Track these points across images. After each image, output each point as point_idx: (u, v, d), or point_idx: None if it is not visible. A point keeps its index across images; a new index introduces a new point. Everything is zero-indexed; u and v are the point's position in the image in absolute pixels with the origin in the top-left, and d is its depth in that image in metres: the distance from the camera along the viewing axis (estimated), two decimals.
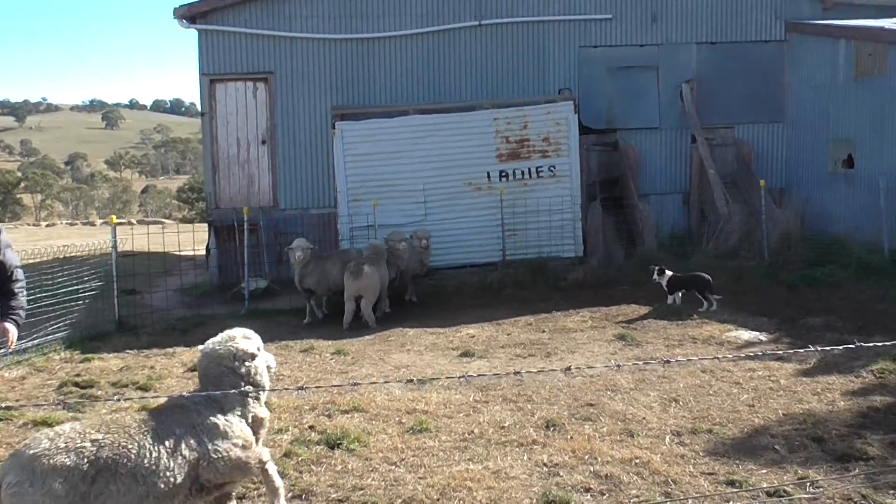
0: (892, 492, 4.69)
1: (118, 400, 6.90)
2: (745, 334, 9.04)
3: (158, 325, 10.31)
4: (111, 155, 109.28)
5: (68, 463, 3.61)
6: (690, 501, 4.53)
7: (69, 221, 46.76)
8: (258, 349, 4.40)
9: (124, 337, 9.69)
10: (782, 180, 15.29)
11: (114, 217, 10.61)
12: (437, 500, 4.72)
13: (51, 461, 3.58)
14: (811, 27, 14.82)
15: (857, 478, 4.89)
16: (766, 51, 15.32)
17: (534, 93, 14.61)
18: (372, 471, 5.25)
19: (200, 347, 4.40)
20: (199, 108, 14.78)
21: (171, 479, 3.84)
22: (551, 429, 5.95)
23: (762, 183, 13.27)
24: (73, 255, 10.52)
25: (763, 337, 8.87)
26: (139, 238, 11.90)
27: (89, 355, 8.80)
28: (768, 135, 15.46)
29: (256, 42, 14.33)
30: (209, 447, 3.99)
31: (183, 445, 3.91)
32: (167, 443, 3.87)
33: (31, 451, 3.62)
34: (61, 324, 9.09)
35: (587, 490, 4.83)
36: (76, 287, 9.30)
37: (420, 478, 5.06)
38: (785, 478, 4.94)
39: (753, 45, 15.29)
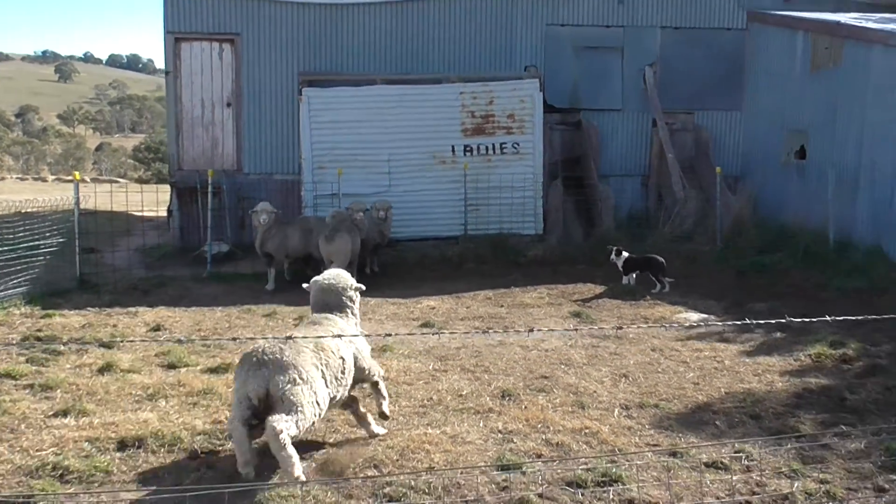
0: (819, 465, 5.02)
1: (81, 353, 7.00)
2: (694, 316, 9.40)
3: (120, 284, 10.33)
4: (64, 109, 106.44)
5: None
6: (634, 469, 4.81)
7: (19, 176, 45.64)
8: None
9: (85, 294, 9.71)
10: (738, 168, 15.63)
11: (77, 174, 10.54)
12: (397, 460, 4.95)
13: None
14: (772, 17, 15.06)
15: (789, 452, 5.21)
16: (728, 38, 15.59)
17: (501, 68, 14.74)
18: (334, 432, 5.47)
19: (320, 279, 5.58)
20: (156, 65, 14.87)
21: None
22: (507, 398, 6.21)
23: (718, 170, 13.61)
24: (33, 210, 10.45)
25: (711, 319, 9.23)
26: (98, 196, 11.85)
27: (50, 311, 8.85)
28: (726, 122, 15.79)
29: (224, 2, 14.16)
30: (358, 346, 5.29)
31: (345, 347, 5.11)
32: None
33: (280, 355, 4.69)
34: (21, 279, 9.08)
35: (539, 456, 5.09)
36: (37, 243, 9.27)
37: (380, 440, 5.28)
38: (723, 451, 5.23)
39: (716, 32, 15.53)
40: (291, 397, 4.61)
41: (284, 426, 4.49)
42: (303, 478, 4.50)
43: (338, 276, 5.66)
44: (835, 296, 10.24)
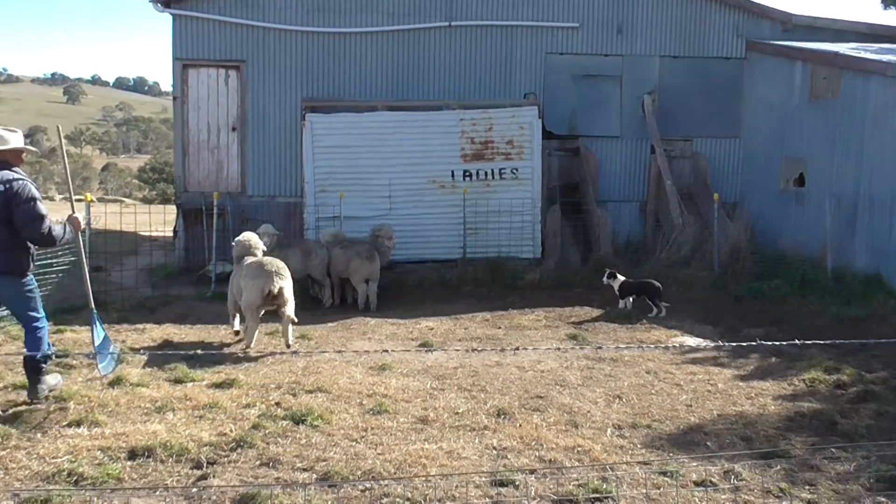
0: (808, 487, 5.12)
1: (92, 367, 7.18)
2: (691, 340, 9.50)
3: (127, 301, 10.52)
4: (72, 130, 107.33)
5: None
6: (625, 485, 4.94)
7: None
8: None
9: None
10: (736, 195, 15.79)
11: (89, 195, 10.78)
12: (394, 473, 5.09)
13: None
14: (770, 47, 15.28)
15: (778, 473, 5.32)
16: (727, 67, 15.84)
17: (500, 95, 14.99)
18: (334, 445, 5.61)
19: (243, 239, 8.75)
20: (162, 87, 15.12)
21: None
22: (502, 416, 6.34)
23: (716, 196, 13.78)
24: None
25: (707, 344, 9.33)
26: (103, 216, 12.10)
27: (62, 327, 9.08)
28: (725, 149, 15.97)
29: (230, 30, 14.50)
30: None
31: None
32: None
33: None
34: None
35: (532, 472, 5.22)
36: (50, 262, 9.47)
37: (379, 454, 5.42)
38: (713, 470, 5.34)
39: (715, 61, 15.79)
40: (289, 293, 8.23)
41: (291, 312, 8.27)
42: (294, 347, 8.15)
43: (251, 236, 8.99)
44: (831, 322, 10.32)
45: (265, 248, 9.31)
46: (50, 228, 6.21)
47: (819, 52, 14.04)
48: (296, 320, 8.45)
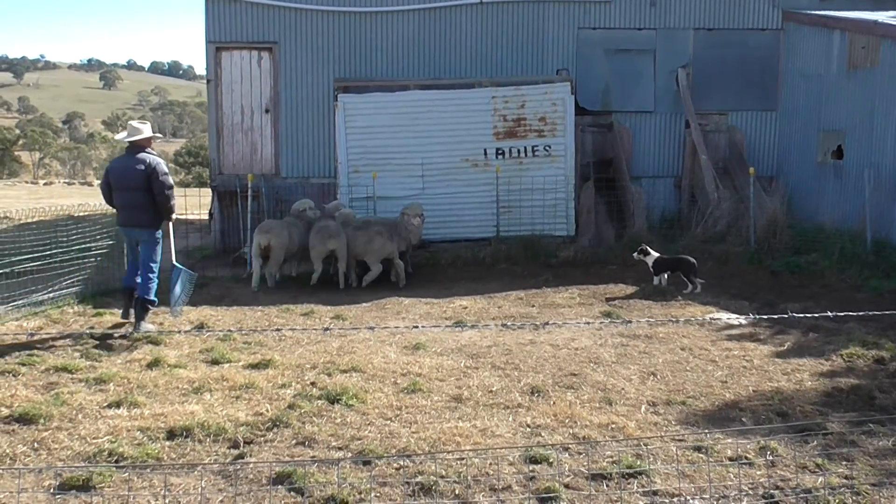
0: (844, 462, 5.08)
1: (131, 349, 7.36)
2: (726, 316, 9.42)
3: (164, 284, 10.64)
4: (108, 115, 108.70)
5: None
6: (659, 461, 4.95)
7: (67, 181, 46.81)
8: None
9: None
10: (773, 168, 15.58)
11: None
12: (429, 451, 5.15)
13: None
14: (807, 17, 14.96)
15: (815, 448, 5.28)
16: (763, 39, 15.55)
17: (532, 72, 14.88)
18: (369, 424, 5.68)
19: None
20: (196, 71, 15.30)
21: None
22: (536, 394, 6.37)
23: (752, 170, 13.59)
24: (85, 213, 10.92)
25: (743, 320, 9.25)
26: None
27: (101, 310, 9.27)
28: (761, 123, 15.74)
29: (262, 12, 14.56)
30: None
31: None
32: None
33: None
34: (74, 279, 9.51)
35: (566, 449, 5.24)
36: (89, 245, 9.68)
37: (413, 432, 5.48)
38: (748, 446, 5.33)
39: (750, 33, 15.50)
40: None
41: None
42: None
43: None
44: (871, 297, 10.20)
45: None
46: (171, 196, 8.27)
47: (857, 20, 13.76)
48: None
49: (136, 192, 8.19)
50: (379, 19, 14.75)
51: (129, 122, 8.64)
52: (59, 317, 8.89)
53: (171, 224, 8.61)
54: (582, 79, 15.00)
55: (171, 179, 8.37)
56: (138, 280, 8.32)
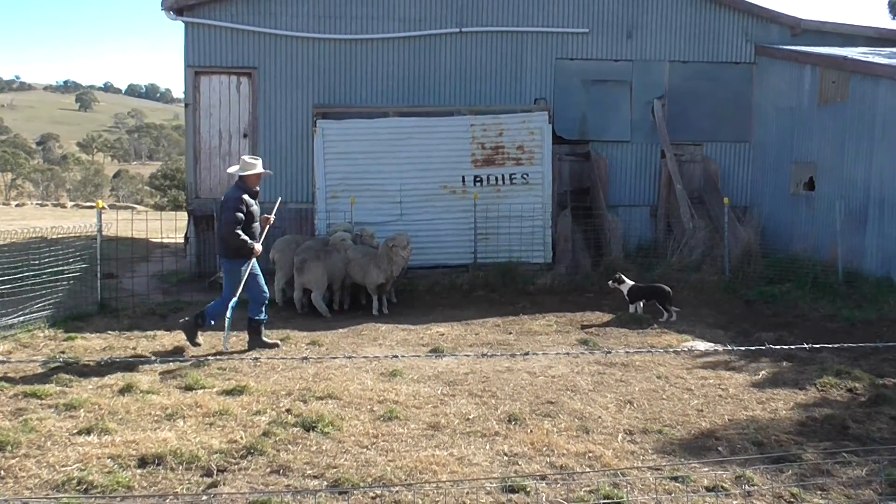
0: (819, 492, 5.10)
1: (103, 374, 7.22)
2: (702, 345, 9.48)
3: (138, 308, 10.56)
4: (84, 137, 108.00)
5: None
6: (636, 491, 4.94)
7: (40, 202, 46.34)
8: None
9: (105, 318, 9.93)
10: (747, 198, 15.78)
11: (101, 202, 10.84)
12: (405, 479, 5.10)
13: None
14: (780, 52, 15.28)
15: (790, 478, 5.31)
16: (736, 72, 15.82)
17: (510, 101, 15.01)
18: (345, 452, 5.62)
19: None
20: (173, 94, 15.19)
21: None
22: (513, 422, 6.35)
23: (726, 200, 13.76)
24: (58, 236, 10.78)
25: (718, 348, 9.29)
26: (113, 223, 12.17)
27: (72, 334, 9.11)
28: (735, 154, 15.96)
29: (242, 37, 14.57)
30: None
31: None
32: None
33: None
34: (45, 303, 9.35)
35: (543, 478, 5.22)
36: (61, 268, 9.55)
37: (389, 460, 5.44)
38: (724, 476, 5.33)
39: (724, 66, 15.78)
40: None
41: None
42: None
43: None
44: (843, 326, 10.31)
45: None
46: (233, 232, 8.26)
47: (828, 56, 14.05)
48: None
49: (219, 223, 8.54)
50: (359, 47, 14.82)
51: (243, 157, 8.71)
52: (28, 341, 8.73)
53: (253, 259, 8.62)
54: (560, 108, 15.16)
55: (238, 216, 8.35)
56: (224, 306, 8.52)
